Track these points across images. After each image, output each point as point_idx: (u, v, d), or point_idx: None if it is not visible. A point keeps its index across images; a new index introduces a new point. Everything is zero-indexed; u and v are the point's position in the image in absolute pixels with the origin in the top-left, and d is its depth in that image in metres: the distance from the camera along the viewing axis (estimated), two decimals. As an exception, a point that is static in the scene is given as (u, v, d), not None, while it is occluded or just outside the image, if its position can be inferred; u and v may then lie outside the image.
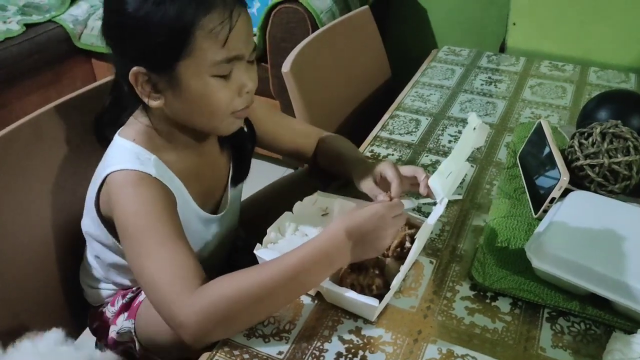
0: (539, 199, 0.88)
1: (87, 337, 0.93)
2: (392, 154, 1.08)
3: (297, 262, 0.65)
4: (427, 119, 1.21)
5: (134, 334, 0.82)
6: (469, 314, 0.73)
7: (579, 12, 1.53)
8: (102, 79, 0.92)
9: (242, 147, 0.90)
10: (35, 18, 2.15)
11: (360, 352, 0.67)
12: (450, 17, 2.31)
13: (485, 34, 2.19)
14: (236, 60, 0.71)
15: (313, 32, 1.33)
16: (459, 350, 0.67)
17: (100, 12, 2.25)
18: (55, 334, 0.65)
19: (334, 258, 0.67)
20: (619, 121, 0.90)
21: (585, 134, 0.91)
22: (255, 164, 0.98)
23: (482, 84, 1.37)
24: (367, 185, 0.84)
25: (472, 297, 0.75)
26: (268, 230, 0.80)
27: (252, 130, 0.91)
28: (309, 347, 0.67)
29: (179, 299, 0.63)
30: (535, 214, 0.88)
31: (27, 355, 0.62)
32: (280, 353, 0.67)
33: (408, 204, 0.82)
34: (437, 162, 1.05)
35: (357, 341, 0.68)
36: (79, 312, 0.93)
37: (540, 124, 0.99)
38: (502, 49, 1.72)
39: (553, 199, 0.85)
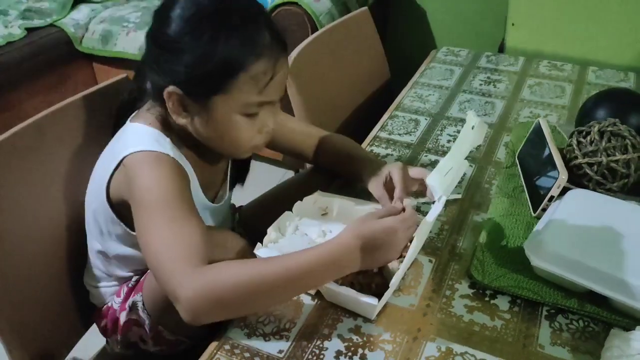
0: (538, 198, 0.89)
1: (92, 336, 0.93)
2: (392, 154, 1.09)
3: (304, 264, 0.65)
4: (426, 119, 1.22)
5: (141, 305, 0.82)
6: (468, 312, 0.73)
7: (577, 11, 1.54)
8: (103, 82, 0.93)
9: None
10: (36, 22, 2.16)
11: (360, 351, 0.67)
12: (449, 17, 2.32)
13: (484, 34, 2.20)
14: (267, 104, 0.75)
15: (313, 33, 1.34)
16: (458, 348, 0.68)
17: (101, 15, 2.29)
18: None
19: (342, 264, 0.67)
20: (617, 119, 0.90)
21: (584, 133, 0.92)
22: (255, 165, 0.98)
23: (481, 84, 1.38)
24: (375, 188, 0.85)
25: (471, 295, 0.76)
26: (268, 230, 0.80)
27: None
28: (309, 345, 0.68)
29: (180, 274, 0.63)
30: (534, 213, 0.88)
31: None
32: (280, 351, 0.67)
33: (411, 202, 0.83)
34: (436, 162, 1.05)
35: (357, 339, 0.69)
36: (86, 314, 0.93)
37: (539, 123, 1.00)
38: (501, 49, 1.72)
39: (552, 198, 0.85)
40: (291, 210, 0.85)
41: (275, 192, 1.11)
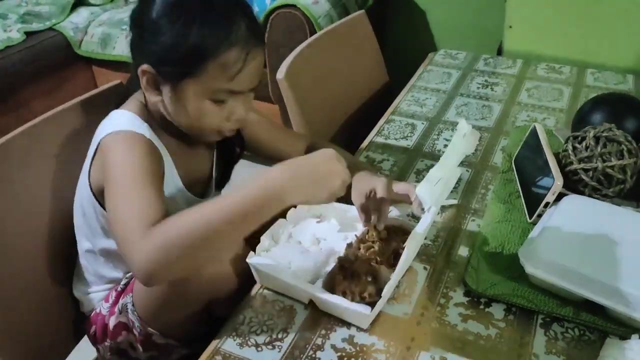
0: (534, 204, 0.88)
1: (84, 346, 0.93)
2: (388, 159, 1.08)
3: (238, 198, 0.65)
4: (423, 124, 1.21)
5: (131, 307, 0.82)
6: (463, 321, 0.72)
7: (575, 13, 1.53)
8: (103, 85, 0.94)
9: (228, 149, 0.94)
10: (35, 26, 2.16)
11: (353, 360, 0.67)
12: (447, 20, 2.31)
13: (482, 37, 2.19)
14: (236, 93, 0.76)
15: (311, 36, 1.33)
16: (452, 357, 0.67)
17: (100, 18, 2.29)
18: None
19: (275, 193, 0.66)
20: (613, 124, 0.90)
21: (579, 138, 0.91)
22: (247, 168, 0.98)
23: (478, 88, 1.37)
24: (357, 200, 0.84)
25: (465, 303, 0.75)
26: (262, 237, 0.80)
27: (240, 135, 0.93)
28: (302, 355, 0.68)
29: (132, 242, 0.64)
30: (530, 219, 0.88)
31: None
32: (273, 362, 0.67)
33: (403, 210, 0.83)
34: (432, 167, 1.05)
35: (350, 349, 0.68)
36: (78, 325, 0.93)
37: (535, 127, 0.99)
38: (500, 51, 1.72)
39: (547, 204, 0.85)
40: (285, 217, 0.85)
41: None
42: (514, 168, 1.01)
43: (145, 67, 0.75)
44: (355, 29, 1.45)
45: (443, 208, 0.92)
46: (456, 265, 0.82)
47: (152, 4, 0.73)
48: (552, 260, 0.73)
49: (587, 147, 0.88)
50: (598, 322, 0.71)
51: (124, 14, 2.26)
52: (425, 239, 0.86)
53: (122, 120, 0.78)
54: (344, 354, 0.68)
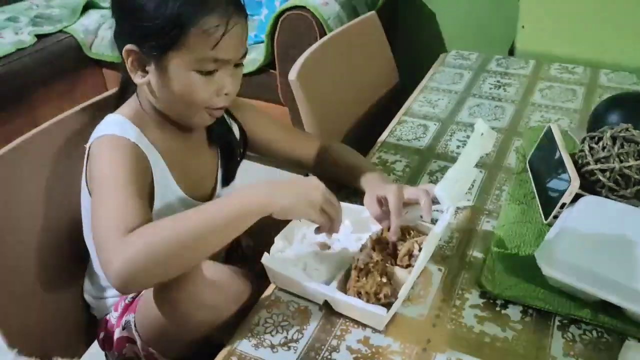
0: (550, 205, 0.87)
1: (95, 350, 0.93)
2: (400, 160, 1.08)
3: (220, 210, 0.67)
4: (435, 125, 1.20)
5: (133, 326, 0.82)
6: (479, 323, 0.72)
7: (588, 13, 1.52)
8: (113, 87, 0.93)
9: (231, 148, 0.92)
10: (46, 29, 2.18)
11: (369, 362, 0.66)
12: (458, 20, 2.30)
13: (494, 37, 2.18)
14: (222, 63, 0.75)
15: (321, 38, 1.33)
16: (468, 359, 0.67)
17: (110, 21, 2.29)
18: None
19: (258, 200, 0.68)
20: (630, 125, 0.89)
21: (596, 138, 0.90)
22: (255, 170, 0.97)
23: (490, 88, 1.36)
24: (370, 206, 0.83)
25: (481, 305, 0.75)
26: (276, 238, 0.80)
27: (243, 135, 0.93)
28: (317, 357, 0.67)
29: (107, 250, 0.64)
30: (546, 220, 0.87)
31: None
32: (288, 363, 0.67)
33: (416, 211, 0.82)
34: (446, 168, 1.05)
35: (366, 350, 0.68)
36: (91, 328, 0.93)
37: (550, 128, 0.98)
38: (512, 52, 1.71)
39: (563, 205, 0.84)
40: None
41: None
42: (529, 169, 1.00)
43: (129, 46, 0.75)
44: (367, 30, 1.45)
45: (457, 209, 0.91)
46: (471, 266, 0.81)
47: None
48: (570, 261, 0.72)
49: (604, 148, 0.87)
50: (616, 324, 0.70)
51: (134, 16, 2.27)
52: (440, 239, 0.85)
53: (110, 126, 0.77)
54: (359, 355, 0.67)
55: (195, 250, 0.66)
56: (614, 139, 0.88)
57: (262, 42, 1.95)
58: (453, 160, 1.06)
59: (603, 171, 0.87)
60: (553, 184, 0.89)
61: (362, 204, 0.87)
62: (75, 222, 0.86)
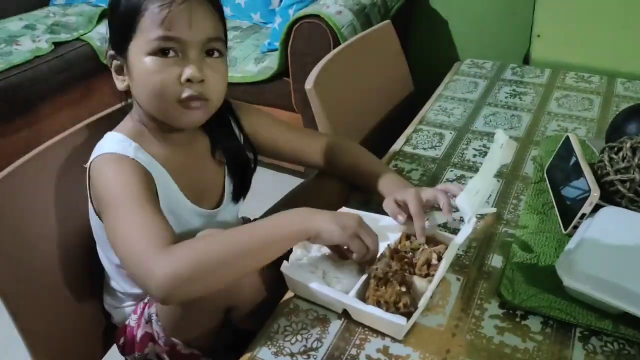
0: (569, 215, 0.87)
1: (114, 355, 0.94)
2: (417, 169, 1.08)
3: (266, 228, 0.71)
4: (451, 133, 1.20)
5: (155, 317, 0.82)
6: (499, 333, 0.71)
7: (604, 22, 1.51)
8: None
9: (238, 159, 0.92)
10: (63, 36, 2.20)
11: (389, 372, 0.66)
12: (472, 29, 2.30)
13: (508, 45, 2.17)
14: (177, 43, 0.73)
15: (334, 46, 1.34)
16: (488, 370, 0.66)
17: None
18: None
19: (301, 221, 0.71)
20: (650, 135, 0.88)
21: (615, 149, 0.90)
22: (260, 174, 0.98)
23: (506, 97, 1.36)
24: (390, 208, 0.84)
25: (501, 315, 0.74)
26: (294, 247, 0.80)
27: (251, 145, 0.94)
28: (337, 366, 0.67)
29: (149, 257, 0.64)
30: (565, 230, 0.86)
31: None
32: (307, 372, 0.67)
33: (436, 219, 0.82)
34: (462, 177, 1.05)
35: (385, 360, 0.68)
36: (108, 335, 0.94)
37: (568, 137, 0.98)
38: (527, 60, 1.70)
39: (583, 215, 0.84)
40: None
41: (287, 202, 1.09)
42: (547, 178, 1.00)
43: (110, 52, 0.78)
44: (382, 39, 1.45)
45: (479, 216, 0.91)
46: (489, 276, 0.81)
47: None
48: (590, 272, 0.72)
49: (624, 158, 0.87)
50: (638, 335, 0.69)
51: (150, 24, 2.30)
52: (458, 249, 0.85)
53: (109, 145, 0.78)
54: (379, 364, 0.67)
55: (242, 266, 0.68)
56: (634, 149, 0.87)
57: (276, 49, 1.96)
58: (470, 169, 1.07)
59: (623, 182, 0.86)
60: (572, 193, 0.89)
61: (377, 211, 0.87)
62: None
